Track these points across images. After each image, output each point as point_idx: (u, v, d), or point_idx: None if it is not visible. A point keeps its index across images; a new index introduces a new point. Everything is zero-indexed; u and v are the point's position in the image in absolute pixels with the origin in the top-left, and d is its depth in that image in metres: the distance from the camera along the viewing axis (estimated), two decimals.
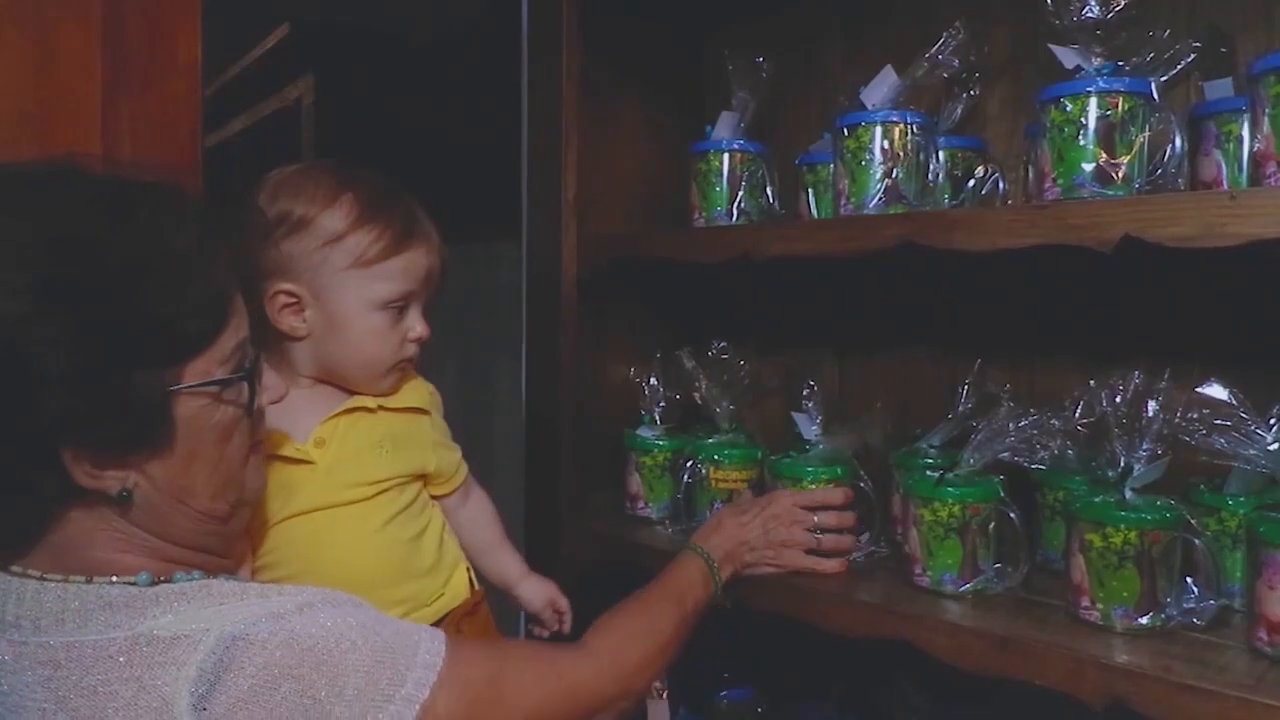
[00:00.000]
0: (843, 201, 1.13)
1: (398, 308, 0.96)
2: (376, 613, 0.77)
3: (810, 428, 1.34)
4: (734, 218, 1.27)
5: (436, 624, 0.98)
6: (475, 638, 1.00)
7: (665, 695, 1.30)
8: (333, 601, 0.75)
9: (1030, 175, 1.06)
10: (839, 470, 1.18)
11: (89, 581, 0.74)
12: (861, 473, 1.19)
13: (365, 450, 0.97)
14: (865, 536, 1.19)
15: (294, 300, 0.94)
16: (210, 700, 0.67)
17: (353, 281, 0.93)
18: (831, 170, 1.17)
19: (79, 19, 1.29)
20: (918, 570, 1.06)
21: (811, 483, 1.18)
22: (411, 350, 0.99)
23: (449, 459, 1.06)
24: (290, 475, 0.94)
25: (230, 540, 0.85)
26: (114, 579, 0.74)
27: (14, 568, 0.74)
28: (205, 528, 0.79)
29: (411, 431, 1.02)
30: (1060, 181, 0.98)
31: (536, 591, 1.15)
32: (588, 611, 1.38)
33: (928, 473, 1.10)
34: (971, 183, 1.22)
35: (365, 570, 0.94)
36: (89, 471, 0.71)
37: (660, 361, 1.38)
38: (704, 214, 1.29)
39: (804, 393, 1.36)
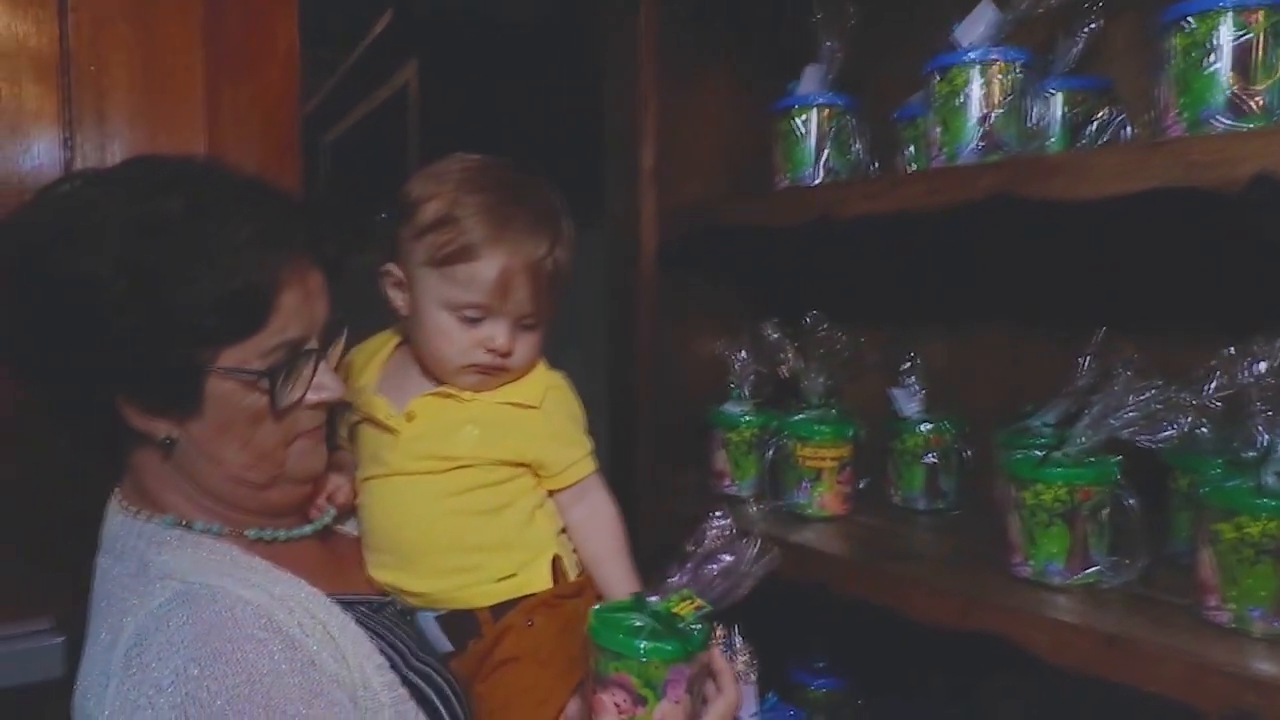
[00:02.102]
0: (934, 153, 1.03)
1: (470, 316, 0.95)
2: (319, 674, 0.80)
3: (909, 404, 1.25)
4: (819, 179, 1.19)
5: (506, 605, 0.96)
6: (548, 635, 0.96)
7: (754, 679, 1.25)
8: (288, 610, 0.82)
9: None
10: (849, 431, 1.12)
11: (137, 515, 0.88)
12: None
13: (448, 429, 0.97)
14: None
15: (396, 281, 0.99)
16: (144, 645, 0.76)
17: (428, 278, 0.95)
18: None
19: (183, 12, 1.34)
20: (1017, 560, 0.96)
21: (819, 442, 1.15)
22: (486, 359, 0.96)
23: (558, 455, 1.00)
24: (380, 440, 0.99)
25: (269, 503, 0.91)
26: (152, 516, 0.88)
27: (115, 492, 0.91)
28: (238, 490, 0.89)
29: (510, 422, 0.99)
30: (1185, 116, 0.85)
31: None
32: None
33: (1033, 451, 0.99)
34: (1091, 128, 1.09)
35: (422, 533, 0.97)
36: (138, 417, 0.84)
37: (750, 334, 1.31)
38: (788, 176, 1.21)
39: (903, 366, 1.27)
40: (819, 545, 1.10)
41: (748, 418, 1.29)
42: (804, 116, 1.20)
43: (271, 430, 0.87)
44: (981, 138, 1.01)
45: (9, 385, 0.92)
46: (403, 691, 0.86)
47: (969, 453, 1.21)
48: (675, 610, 0.86)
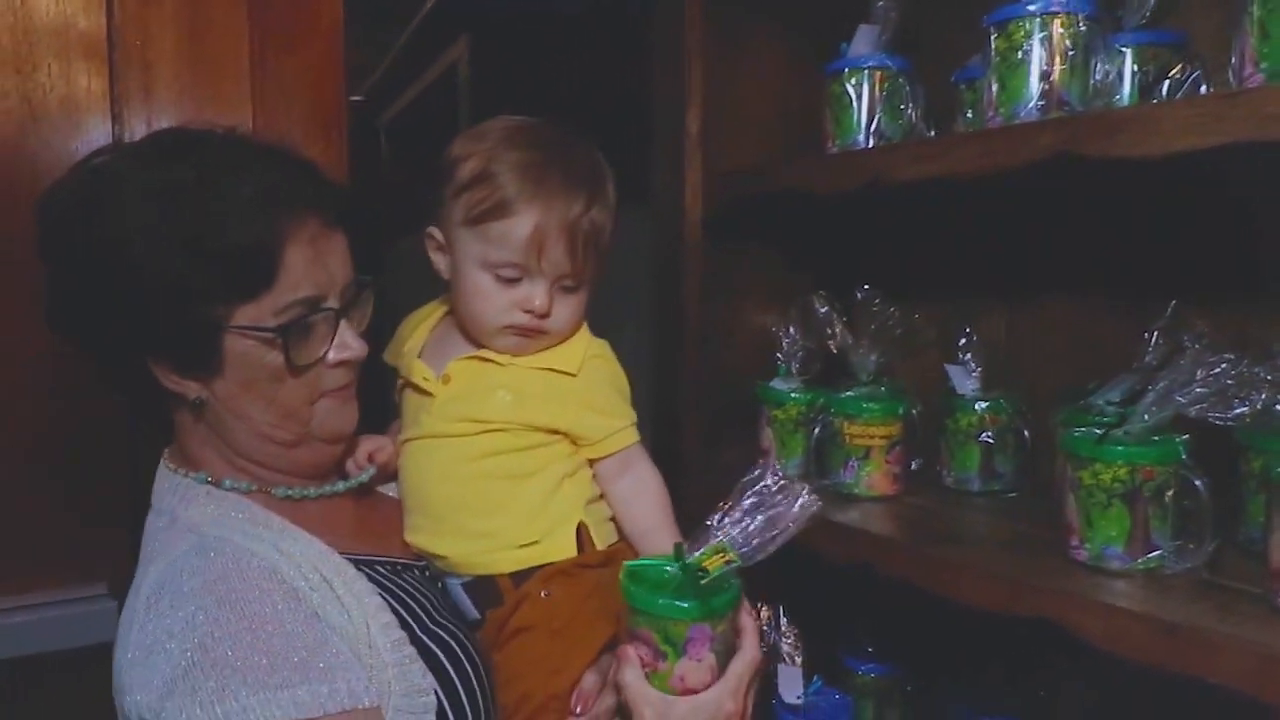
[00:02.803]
0: (990, 113, 0.97)
1: (506, 275, 0.94)
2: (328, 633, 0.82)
3: (966, 381, 1.20)
4: (870, 144, 1.14)
5: (527, 573, 0.95)
6: (566, 604, 0.94)
7: (799, 661, 1.22)
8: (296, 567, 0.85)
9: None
10: (899, 408, 1.09)
11: (175, 472, 0.94)
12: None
13: (481, 392, 0.97)
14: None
15: (438, 244, 0.99)
16: (161, 592, 0.81)
17: (465, 237, 0.95)
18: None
19: None
20: (1074, 542, 0.91)
21: (867, 420, 1.12)
22: (523, 319, 0.94)
23: (594, 424, 0.99)
24: (419, 403, 1.00)
25: (301, 466, 0.95)
26: (189, 473, 0.93)
27: (164, 453, 0.96)
28: (266, 448, 0.92)
29: (545, 388, 0.98)
30: (1265, 66, 0.79)
31: None
32: None
33: (1093, 429, 0.93)
34: (1164, 87, 1.02)
35: (447, 495, 0.97)
36: (170, 378, 0.88)
37: (799, 308, 1.27)
38: (838, 142, 1.17)
39: (960, 342, 1.21)
40: (865, 525, 1.06)
41: (795, 395, 1.25)
42: (855, 79, 1.15)
43: (294, 388, 0.89)
44: (1041, 96, 0.95)
45: (59, 356, 0.98)
46: (410, 651, 0.86)
47: (1028, 433, 1.16)
48: (705, 564, 0.83)
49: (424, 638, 0.89)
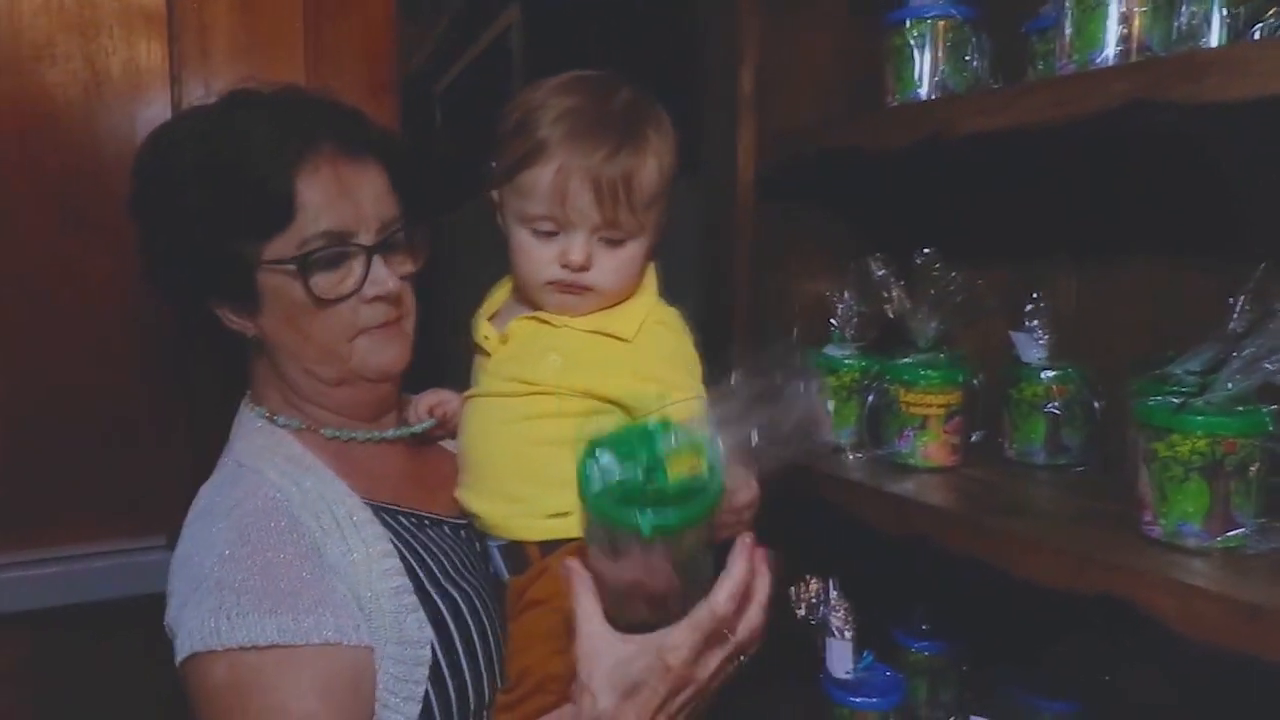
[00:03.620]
0: (1063, 61, 0.91)
1: (543, 229, 0.92)
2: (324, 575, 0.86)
3: (1032, 349, 1.14)
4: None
5: (557, 543, 0.92)
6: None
7: (850, 636, 1.19)
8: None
9: None
10: (959, 376, 1.04)
11: (245, 406, 1.01)
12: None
13: (533, 354, 0.96)
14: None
15: (495, 205, 0.98)
16: (197, 514, 0.91)
17: (508, 192, 0.94)
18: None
19: None
20: (1147, 517, 0.85)
21: (925, 388, 1.06)
22: (561, 274, 0.92)
23: (647, 395, 0.94)
24: (481, 363, 1.01)
25: (350, 405, 0.99)
26: (255, 409, 1.00)
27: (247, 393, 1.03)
28: (314, 385, 0.97)
29: (595, 353, 0.95)
30: None
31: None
32: (766, 544, 1.29)
33: (1170, 398, 0.88)
34: (1256, 33, 0.95)
35: (487, 454, 0.97)
36: (230, 318, 0.96)
37: (855, 272, 1.22)
38: (898, 96, 1.11)
39: (1027, 308, 1.15)
40: (921, 496, 1.01)
41: (849, 361, 1.21)
42: (918, 30, 1.09)
43: (328, 324, 0.93)
44: (1120, 41, 0.88)
45: (124, 311, 1.02)
46: (411, 600, 0.88)
47: (1098, 404, 1.09)
48: (671, 464, 0.73)
49: (431, 591, 0.91)
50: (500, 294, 1.04)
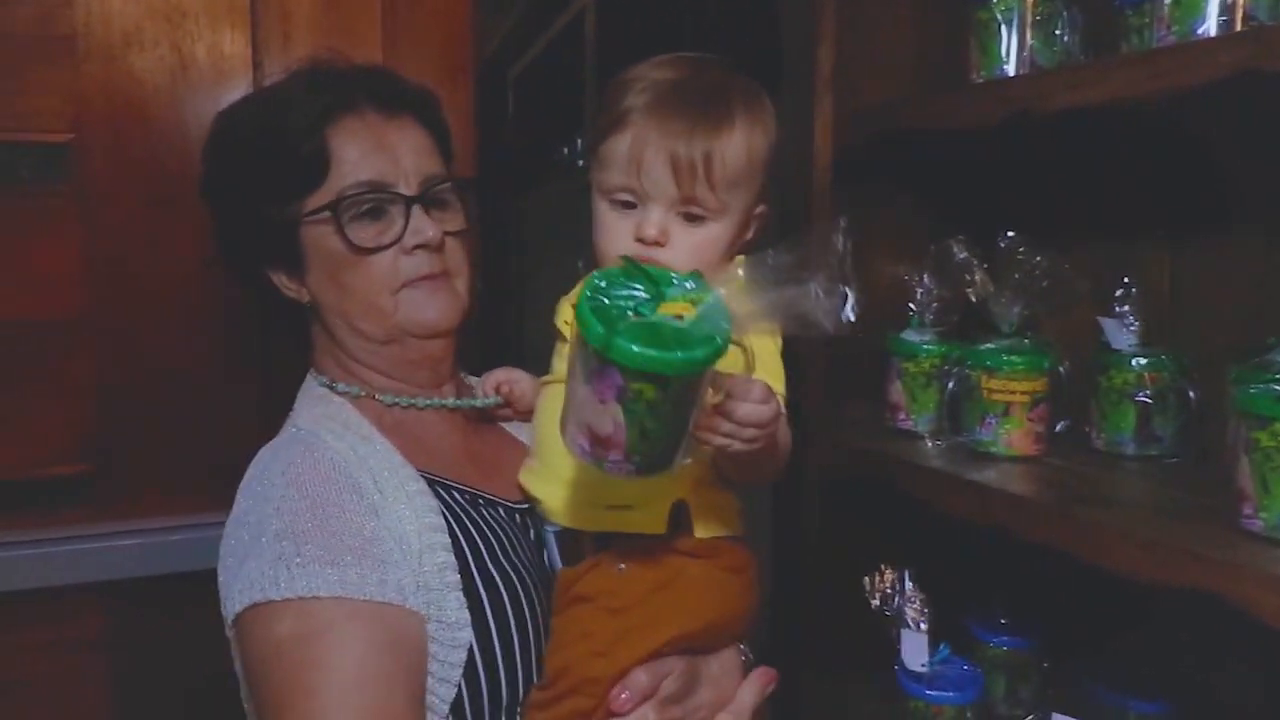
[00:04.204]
0: (1162, 32, 0.87)
1: (620, 199, 0.90)
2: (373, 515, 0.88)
3: (1122, 335, 1.10)
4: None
5: (612, 537, 0.90)
6: (636, 585, 0.88)
7: (925, 628, 1.16)
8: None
9: None
10: (1045, 362, 1.00)
11: (309, 375, 1.03)
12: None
13: None
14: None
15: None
16: (253, 475, 0.93)
17: (594, 166, 0.93)
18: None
19: None
20: (1247, 510, 0.81)
21: (1009, 374, 1.03)
22: (635, 248, 0.89)
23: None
24: (558, 347, 0.98)
25: (403, 366, 1.00)
26: (317, 377, 1.02)
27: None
28: (366, 345, 0.98)
29: None
30: None
31: None
32: (840, 533, 1.28)
33: (1273, 386, 0.83)
34: None
35: (552, 437, 0.91)
36: (285, 284, 0.99)
37: (935, 255, 1.19)
38: (983, 73, 1.07)
39: (1117, 293, 1.11)
40: (1003, 485, 0.98)
41: (928, 346, 1.18)
42: (1005, 5, 1.05)
43: (369, 274, 0.94)
44: (1224, 12, 0.84)
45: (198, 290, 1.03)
46: (453, 579, 0.87)
47: (1194, 393, 1.05)
48: (665, 303, 0.69)
49: (474, 572, 0.89)
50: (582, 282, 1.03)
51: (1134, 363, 1.06)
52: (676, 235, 0.88)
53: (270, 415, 1.34)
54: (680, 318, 0.68)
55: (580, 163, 2.13)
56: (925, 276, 1.21)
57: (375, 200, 0.94)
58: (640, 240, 0.88)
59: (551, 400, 0.97)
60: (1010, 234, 1.10)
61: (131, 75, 1.28)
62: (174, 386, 1.33)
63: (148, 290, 1.30)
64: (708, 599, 0.91)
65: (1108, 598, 1.12)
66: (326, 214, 0.93)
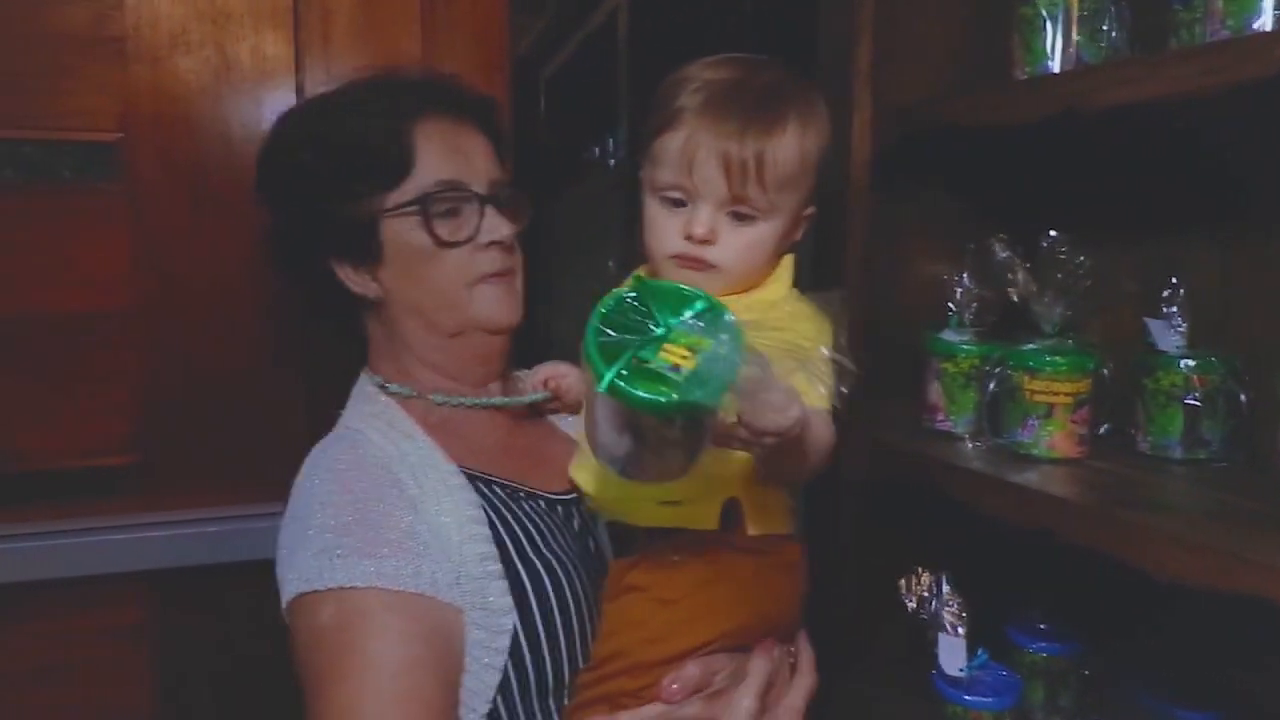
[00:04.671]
0: (1214, 27, 0.86)
1: (670, 197, 0.90)
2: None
3: (1169, 336, 1.08)
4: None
5: (665, 531, 0.90)
6: (688, 577, 0.88)
7: (962, 633, 1.14)
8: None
9: None
10: (1089, 363, 0.99)
11: (364, 373, 1.06)
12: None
13: None
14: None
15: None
16: (304, 472, 0.97)
17: (646, 164, 0.93)
18: None
19: None
20: None
21: (1052, 375, 1.02)
22: (683, 246, 0.89)
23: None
24: None
25: (463, 362, 1.03)
26: (372, 377, 1.05)
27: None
28: (432, 341, 1.02)
29: None
30: None
31: None
32: (876, 535, 1.26)
33: None
34: None
35: None
36: (350, 277, 1.01)
37: (974, 254, 1.17)
38: (1028, 68, 1.06)
39: (1164, 293, 1.09)
40: (1046, 487, 0.97)
41: (968, 346, 1.16)
42: (1050, 0, 1.04)
43: (448, 270, 0.99)
44: (1278, 6, 0.82)
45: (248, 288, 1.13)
46: (497, 568, 0.91)
47: (1244, 396, 1.02)
48: (664, 347, 0.69)
49: (516, 562, 0.93)
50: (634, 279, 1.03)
51: (1182, 364, 1.04)
52: (725, 234, 0.88)
53: (313, 410, 1.36)
54: (678, 368, 0.68)
55: (612, 162, 2.14)
56: (964, 276, 1.20)
57: (455, 198, 0.99)
58: (689, 238, 0.88)
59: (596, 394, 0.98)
60: (1052, 233, 1.09)
61: (177, 76, 1.30)
62: (218, 381, 1.35)
63: (193, 286, 1.32)
64: (758, 595, 0.91)
65: (1149, 602, 1.10)
66: (413, 208, 0.97)
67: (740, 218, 0.88)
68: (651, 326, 0.71)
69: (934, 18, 1.19)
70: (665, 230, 0.90)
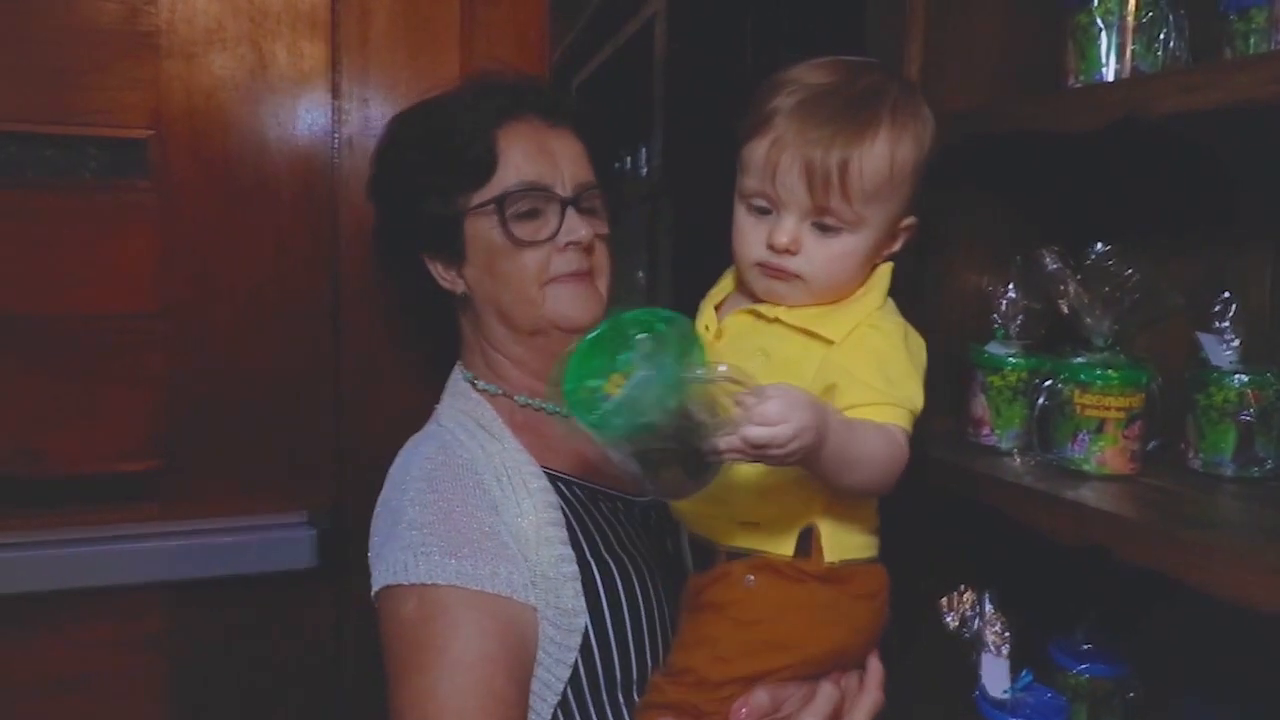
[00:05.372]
0: (1278, 36, 0.84)
1: (756, 205, 0.88)
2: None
3: (1221, 351, 1.05)
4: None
5: (744, 551, 0.88)
6: (764, 600, 0.87)
7: (1006, 653, 1.12)
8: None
9: None
10: (1143, 378, 0.97)
11: (456, 369, 1.10)
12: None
13: (743, 353, 0.89)
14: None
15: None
16: (398, 466, 1.03)
17: (737, 169, 0.91)
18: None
19: None
20: None
21: (1104, 389, 1.00)
22: (766, 255, 0.87)
23: (844, 391, 0.83)
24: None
25: (544, 361, 1.02)
26: (464, 371, 1.09)
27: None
28: (513, 336, 1.05)
29: (798, 354, 0.88)
30: None
31: None
32: (919, 550, 1.23)
33: None
34: None
35: None
36: (440, 273, 1.06)
37: (1022, 264, 1.15)
38: (1082, 77, 1.04)
39: (1215, 307, 1.06)
40: (1101, 504, 0.94)
41: (1014, 359, 1.14)
42: (1106, 7, 1.02)
43: (523, 266, 1.01)
44: None
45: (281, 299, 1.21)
46: (570, 570, 0.94)
47: None
48: (609, 381, 0.73)
49: (592, 563, 0.96)
50: (728, 280, 1.00)
51: (1235, 380, 1.02)
52: (809, 245, 0.86)
53: (343, 416, 1.34)
54: (608, 397, 0.73)
55: (644, 172, 2.12)
56: (1011, 286, 1.17)
57: (535, 199, 1.02)
58: (771, 247, 0.86)
59: None
60: (1100, 245, 1.07)
61: (211, 73, 1.28)
62: (248, 385, 1.33)
63: (223, 287, 1.30)
64: (835, 626, 0.89)
65: (1200, 623, 1.07)
66: (491, 207, 1.00)
67: (825, 229, 0.86)
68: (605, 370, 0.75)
69: (982, 24, 1.17)
70: (750, 238, 0.88)
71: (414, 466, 0.99)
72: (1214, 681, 1.10)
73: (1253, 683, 1.06)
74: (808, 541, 0.87)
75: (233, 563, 1.30)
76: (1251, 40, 0.96)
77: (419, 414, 1.12)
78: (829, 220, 0.85)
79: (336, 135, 1.33)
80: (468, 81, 1.10)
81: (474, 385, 1.07)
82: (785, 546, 0.87)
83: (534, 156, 1.02)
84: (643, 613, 0.97)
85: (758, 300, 0.92)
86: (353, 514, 1.31)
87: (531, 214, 1.02)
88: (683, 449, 0.75)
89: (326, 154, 1.33)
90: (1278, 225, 1.09)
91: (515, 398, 1.07)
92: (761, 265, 0.88)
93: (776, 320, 0.89)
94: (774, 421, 0.72)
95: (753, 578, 0.87)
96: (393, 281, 1.18)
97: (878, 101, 0.85)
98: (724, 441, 0.73)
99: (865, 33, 1.25)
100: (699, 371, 0.74)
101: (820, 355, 0.86)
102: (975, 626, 1.11)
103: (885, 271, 0.92)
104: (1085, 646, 1.18)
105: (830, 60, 0.89)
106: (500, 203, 1.00)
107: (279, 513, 1.32)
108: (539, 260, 1.02)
